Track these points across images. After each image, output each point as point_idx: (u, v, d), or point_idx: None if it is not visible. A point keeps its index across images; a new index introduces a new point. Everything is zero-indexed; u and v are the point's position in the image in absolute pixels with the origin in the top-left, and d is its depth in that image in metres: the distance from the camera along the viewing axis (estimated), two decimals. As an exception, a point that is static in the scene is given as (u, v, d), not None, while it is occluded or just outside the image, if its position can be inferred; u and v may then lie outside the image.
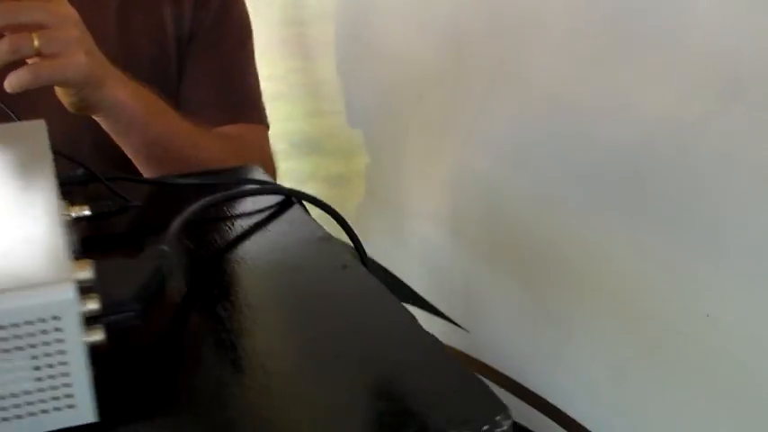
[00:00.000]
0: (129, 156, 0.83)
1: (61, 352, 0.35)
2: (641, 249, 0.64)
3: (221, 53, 0.99)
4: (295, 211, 0.67)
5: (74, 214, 0.56)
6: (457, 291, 0.91)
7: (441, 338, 0.96)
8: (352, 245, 0.67)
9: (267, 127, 1.02)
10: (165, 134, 0.83)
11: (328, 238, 0.61)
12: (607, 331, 0.68)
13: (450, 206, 0.89)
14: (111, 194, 0.62)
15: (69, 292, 0.35)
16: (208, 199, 0.58)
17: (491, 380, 0.84)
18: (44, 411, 0.36)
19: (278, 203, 0.68)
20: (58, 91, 0.75)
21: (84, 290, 0.39)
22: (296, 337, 0.47)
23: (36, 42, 0.67)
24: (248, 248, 0.59)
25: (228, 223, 0.63)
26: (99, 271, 0.43)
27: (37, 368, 0.35)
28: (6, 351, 0.35)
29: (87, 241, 0.59)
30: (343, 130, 1.19)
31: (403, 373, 0.43)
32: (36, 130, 0.59)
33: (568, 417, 0.72)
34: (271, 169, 1.01)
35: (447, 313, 0.93)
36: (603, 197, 0.68)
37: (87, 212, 0.56)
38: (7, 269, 0.36)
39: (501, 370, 0.82)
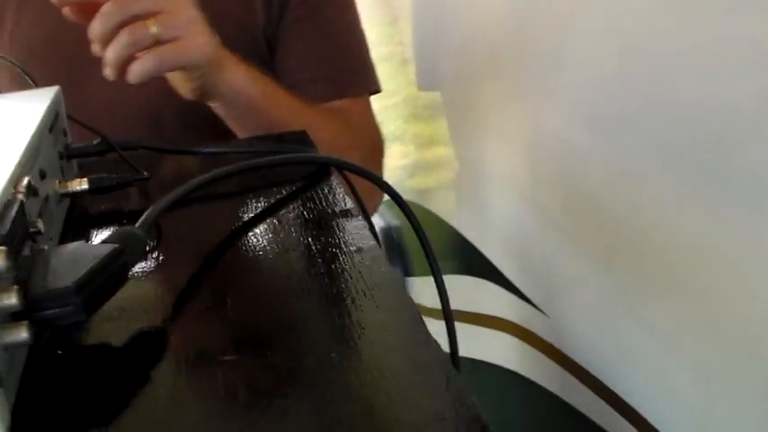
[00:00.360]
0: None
1: (-49, 356, 0.31)
2: (734, 238, 0.53)
3: (323, 21, 0.91)
4: (329, 182, 0.60)
5: (70, 189, 0.52)
6: (536, 269, 0.82)
7: (519, 321, 0.87)
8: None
9: (375, 91, 0.94)
10: (280, 118, 0.78)
11: (351, 214, 0.54)
12: (694, 330, 0.58)
13: (527, 173, 0.79)
14: (128, 165, 0.58)
15: (-52, 289, 0.30)
16: (206, 175, 0.52)
17: (569, 371, 0.75)
18: (-57, 420, 0.32)
19: (311, 174, 0.61)
20: (176, 78, 0.73)
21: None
22: (278, 337, 0.41)
23: (153, 29, 0.64)
24: (256, 227, 0.53)
25: (246, 197, 0.58)
26: (47, 257, 0.39)
27: (-73, 372, 0.31)
28: None
29: (83, 218, 0.56)
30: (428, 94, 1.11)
31: (385, 392, 0.36)
32: (43, 98, 0.55)
33: (644, 419, 0.63)
34: (376, 141, 0.94)
35: (525, 292, 0.84)
36: (693, 172, 0.57)
37: (85, 186, 0.52)
38: None
39: (578, 361, 0.73)
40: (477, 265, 0.99)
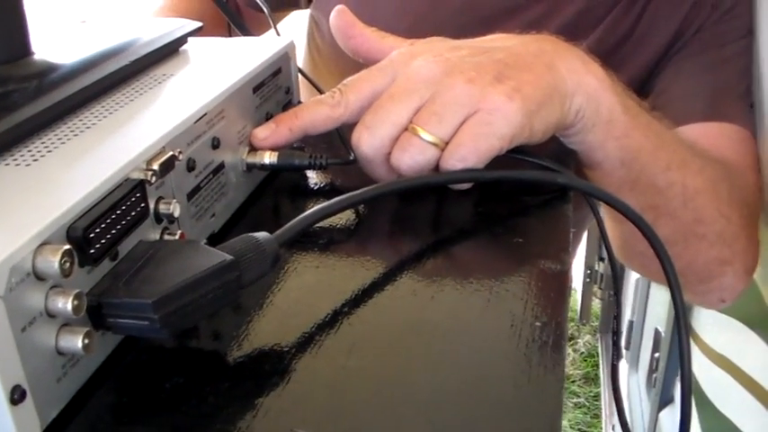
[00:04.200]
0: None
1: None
2: None
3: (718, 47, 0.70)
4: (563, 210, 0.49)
5: (257, 161, 0.47)
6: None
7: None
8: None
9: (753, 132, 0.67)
10: (643, 149, 0.54)
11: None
12: None
13: None
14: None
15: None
16: (398, 182, 0.43)
17: None
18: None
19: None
20: None
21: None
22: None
23: (425, 135, 0.44)
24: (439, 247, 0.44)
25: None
26: (154, 253, 0.34)
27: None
28: None
29: (282, 193, 0.50)
30: None
31: None
32: (266, 49, 0.50)
33: None
34: (753, 200, 0.64)
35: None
36: None
37: (274, 161, 0.47)
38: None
39: None
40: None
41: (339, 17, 0.52)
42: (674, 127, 0.61)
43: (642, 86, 0.72)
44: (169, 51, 0.49)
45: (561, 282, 0.42)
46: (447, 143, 0.45)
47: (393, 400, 0.32)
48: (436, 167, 0.46)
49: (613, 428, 1.59)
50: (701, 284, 0.64)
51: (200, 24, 0.52)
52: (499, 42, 0.49)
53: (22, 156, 0.35)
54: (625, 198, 0.48)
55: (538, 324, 0.38)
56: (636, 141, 0.53)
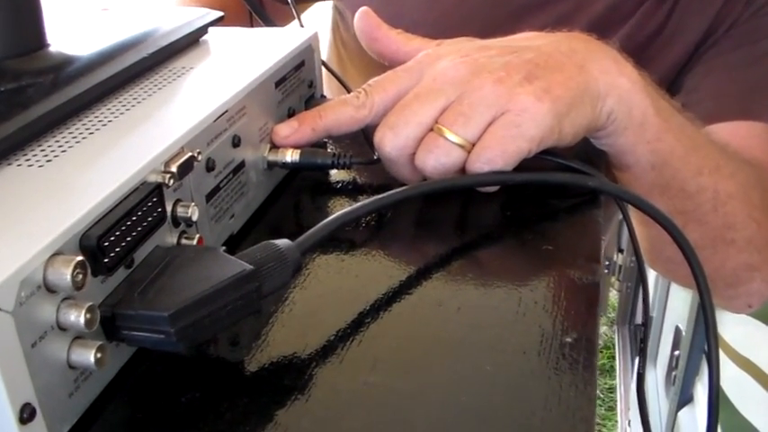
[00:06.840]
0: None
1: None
2: None
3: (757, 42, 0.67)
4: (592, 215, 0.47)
5: (279, 159, 0.45)
6: None
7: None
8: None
9: None
10: (674, 153, 0.52)
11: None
12: None
13: None
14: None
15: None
16: (425, 185, 0.41)
17: None
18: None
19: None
20: None
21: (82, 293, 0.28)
22: None
23: (451, 136, 0.43)
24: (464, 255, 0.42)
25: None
26: (171, 261, 0.32)
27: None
28: None
29: (304, 191, 0.49)
30: None
31: None
32: (289, 41, 0.49)
33: None
34: None
35: None
36: None
37: (296, 159, 0.45)
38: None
39: None
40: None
41: (363, 19, 0.51)
42: (704, 126, 0.59)
43: (672, 84, 0.70)
44: (189, 42, 0.48)
45: (592, 294, 0.40)
46: (473, 145, 0.44)
47: (416, 421, 0.31)
48: (462, 169, 0.44)
49: (629, 424, 1.57)
50: (728, 289, 0.62)
51: (221, 14, 0.50)
52: (529, 41, 0.48)
53: (35, 156, 0.33)
54: (655, 202, 0.46)
55: (568, 340, 0.36)
56: (668, 145, 0.51)
